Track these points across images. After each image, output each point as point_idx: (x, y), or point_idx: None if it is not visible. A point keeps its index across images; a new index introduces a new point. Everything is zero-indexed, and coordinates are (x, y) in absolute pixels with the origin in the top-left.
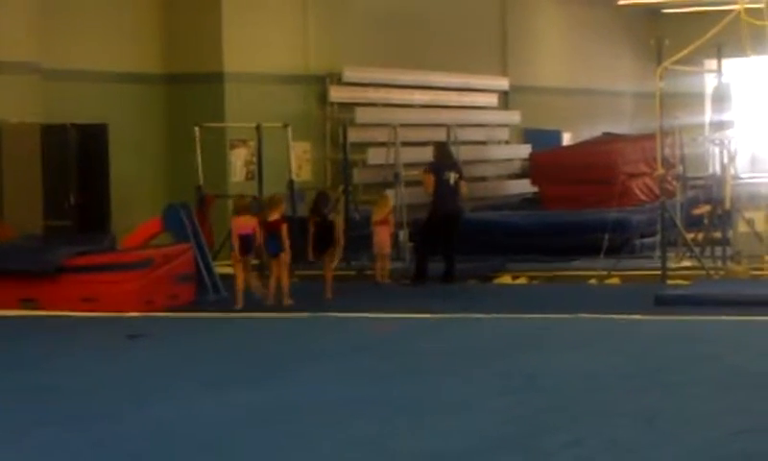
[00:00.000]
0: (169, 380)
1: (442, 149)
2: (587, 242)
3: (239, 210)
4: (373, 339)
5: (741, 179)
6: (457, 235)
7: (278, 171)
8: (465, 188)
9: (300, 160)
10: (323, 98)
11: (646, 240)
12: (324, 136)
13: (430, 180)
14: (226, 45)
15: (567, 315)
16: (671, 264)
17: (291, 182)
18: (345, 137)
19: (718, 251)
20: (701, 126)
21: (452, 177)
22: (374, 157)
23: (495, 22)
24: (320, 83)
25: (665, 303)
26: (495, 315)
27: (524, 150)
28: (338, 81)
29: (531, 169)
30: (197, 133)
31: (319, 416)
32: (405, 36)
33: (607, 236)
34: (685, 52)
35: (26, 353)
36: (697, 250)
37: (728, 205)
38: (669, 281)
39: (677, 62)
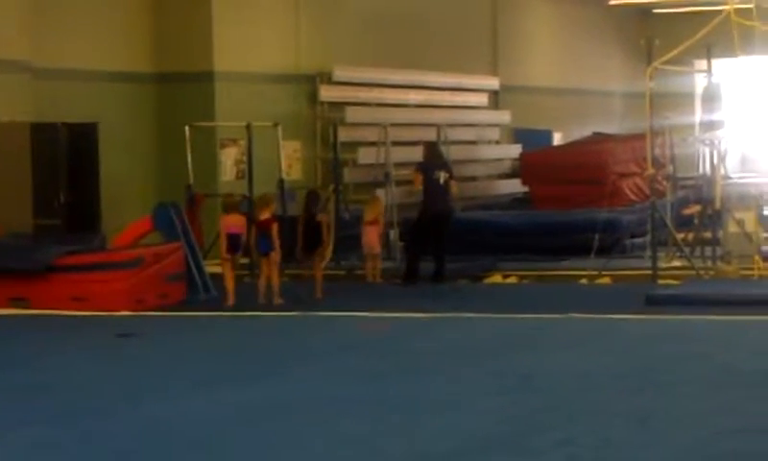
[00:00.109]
0: (160, 379)
1: (431, 148)
2: (577, 242)
3: (228, 209)
4: (364, 338)
5: (731, 179)
6: (447, 235)
7: (269, 170)
8: (455, 188)
9: (291, 160)
10: (313, 97)
11: (636, 240)
12: (314, 136)
13: (418, 178)
14: (216, 44)
15: (559, 315)
16: (661, 264)
17: (281, 182)
18: (335, 137)
19: (708, 251)
20: (691, 126)
21: (442, 176)
22: (365, 156)
23: (486, 22)
24: (310, 82)
25: (656, 302)
26: (487, 315)
27: (515, 150)
28: (328, 80)
29: (521, 169)
30: (187, 133)
31: (310, 414)
32: (395, 35)
33: (597, 236)
34: (676, 52)
35: (16, 352)
36: (687, 250)
37: (718, 205)
38: (660, 281)
39: (667, 62)
